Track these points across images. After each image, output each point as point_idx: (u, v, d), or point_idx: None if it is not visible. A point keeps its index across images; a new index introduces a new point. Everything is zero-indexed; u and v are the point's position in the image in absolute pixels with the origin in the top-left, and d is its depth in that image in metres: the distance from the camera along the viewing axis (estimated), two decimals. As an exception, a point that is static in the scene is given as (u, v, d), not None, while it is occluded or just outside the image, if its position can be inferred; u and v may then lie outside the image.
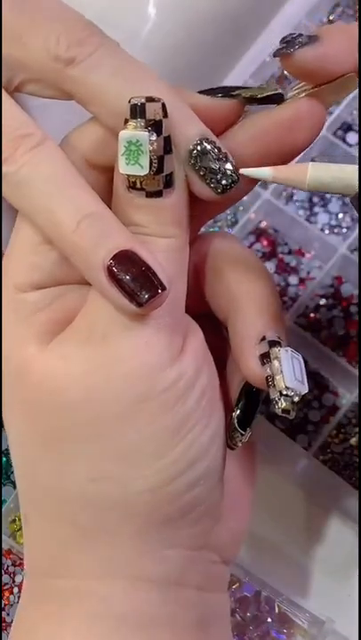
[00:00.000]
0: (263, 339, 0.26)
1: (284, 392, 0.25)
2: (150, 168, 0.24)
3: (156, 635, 0.26)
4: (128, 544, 0.26)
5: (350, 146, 0.46)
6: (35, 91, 0.26)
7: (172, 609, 0.26)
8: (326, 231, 0.45)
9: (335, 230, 0.46)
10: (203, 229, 0.30)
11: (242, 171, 0.25)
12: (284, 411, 0.25)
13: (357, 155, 0.45)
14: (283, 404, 0.25)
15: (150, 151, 0.24)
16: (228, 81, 0.43)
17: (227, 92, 0.27)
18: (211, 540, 0.28)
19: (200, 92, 0.27)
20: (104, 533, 0.26)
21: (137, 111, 0.24)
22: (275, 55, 0.26)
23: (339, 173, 0.23)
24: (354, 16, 0.47)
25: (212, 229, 0.45)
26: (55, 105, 0.27)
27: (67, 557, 0.26)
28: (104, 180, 0.27)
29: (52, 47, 0.25)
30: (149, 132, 0.24)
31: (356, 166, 0.23)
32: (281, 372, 0.25)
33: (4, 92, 0.26)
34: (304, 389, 0.26)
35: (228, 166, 0.25)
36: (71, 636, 0.26)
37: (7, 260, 0.27)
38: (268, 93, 0.26)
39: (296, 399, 0.25)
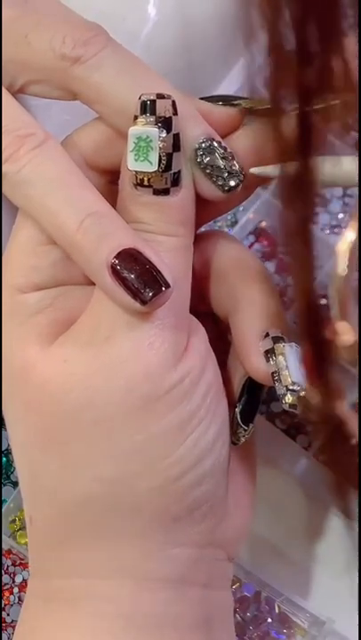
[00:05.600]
0: (267, 335, 0.26)
1: (291, 387, 0.26)
2: (159, 165, 0.24)
3: (163, 634, 0.26)
4: (135, 543, 0.26)
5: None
6: (38, 92, 0.26)
7: (178, 608, 0.26)
8: (327, 231, 0.45)
9: (335, 230, 0.45)
10: (203, 229, 0.30)
11: (252, 170, 0.25)
12: (291, 406, 0.26)
13: (358, 157, 0.45)
14: (290, 398, 0.26)
15: (160, 148, 0.24)
16: (229, 81, 0.43)
17: (227, 100, 0.27)
18: (217, 536, 0.28)
19: (201, 99, 0.27)
20: (110, 533, 0.26)
21: (147, 107, 0.24)
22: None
23: (343, 166, 0.23)
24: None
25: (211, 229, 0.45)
26: (55, 105, 0.27)
27: (73, 558, 0.26)
28: (103, 182, 0.27)
29: (57, 46, 0.25)
30: (159, 128, 0.24)
31: (356, 157, 0.23)
32: (287, 367, 0.26)
33: (6, 92, 0.26)
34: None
35: (235, 165, 0.25)
36: (77, 637, 0.26)
37: (7, 262, 0.27)
38: (268, 106, 0.27)
39: (303, 394, 0.26)
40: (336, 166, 0.23)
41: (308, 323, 0.22)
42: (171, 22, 0.37)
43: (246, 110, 0.27)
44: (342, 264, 0.21)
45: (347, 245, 0.22)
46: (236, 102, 0.27)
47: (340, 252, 0.22)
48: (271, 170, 0.25)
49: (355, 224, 0.22)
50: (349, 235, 0.22)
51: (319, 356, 0.23)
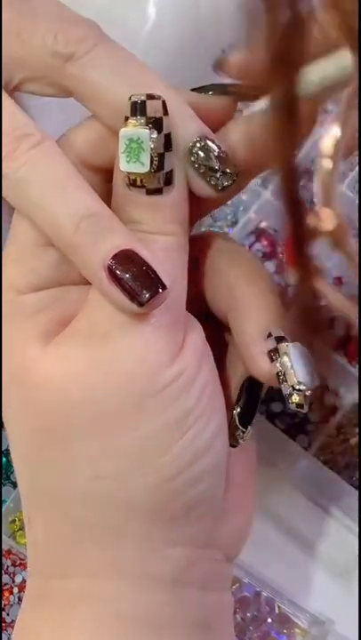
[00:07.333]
0: (269, 335, 0.26)
1: (297, 387, 0.26)
2: (151, 166, 0.24)
3: (161, 636, 0.26)
4: (133, 542, 0.26)
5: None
6: (34, 89, 0.26)
7: (176, 609, 0.26)
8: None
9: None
10: (203, 229, 0.30)
11: (244, 115, 0.25)
12: (298, 405, 0.26)
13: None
14: (296, 398, 0.26)
15: (151, 149, 0.24)
16: (229, 80, 0.43)
17: (219, 88, 0.27)
18: (215, 537, 0.28)
19: (192, 90, 0.27)
20: (109, 532, 0.26)
21: (137, 109, 0.24)
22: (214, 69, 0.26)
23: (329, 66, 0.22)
24: None
25: (212, 229, 0.45)
26: (53, 105, 0.27)
27: (71, 557, 0.26)
28: (99, 180, 0.27)
29: (50, 44, 0.25)
30: (150, 129, 0.24)
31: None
32: (292, 367, 0.26)
33: (3, 92, 0.26)
34: (315, 382, 0.26)
35: (229, 164, 0.25)
36: (74, 637, 0.26)
37: (5, 263, 0.27)
38: (257, 90, 0.26)
39: (308, 393, 0.26)
40: (324, 70, 0.22)
41: (290, 204, 0.22)
42: (171, 22, 0.37)
43: (239, 96, 0.27)
44: (327, 159, 0.21)
45: (331, 141, 0.21)
46: (228, 90, 0.27)
47: (325, 148, 0.21)
48: (259, 105, 0.25)
49: (339, 120, 0.21)
50: (334, 130, 0.21)
51: (300, 238, 0.22)
